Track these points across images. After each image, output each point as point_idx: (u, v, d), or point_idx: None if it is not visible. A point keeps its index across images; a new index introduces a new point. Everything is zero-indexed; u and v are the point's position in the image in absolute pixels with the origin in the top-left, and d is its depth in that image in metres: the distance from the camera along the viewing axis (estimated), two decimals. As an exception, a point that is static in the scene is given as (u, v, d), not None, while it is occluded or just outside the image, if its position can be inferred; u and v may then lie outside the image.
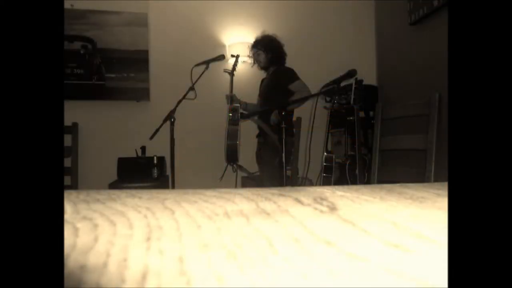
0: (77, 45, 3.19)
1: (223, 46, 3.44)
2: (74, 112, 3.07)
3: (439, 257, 0.21)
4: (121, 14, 3.25)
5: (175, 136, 2.31)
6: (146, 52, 3.29)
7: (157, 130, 2.30)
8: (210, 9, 3.43)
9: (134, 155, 2.98)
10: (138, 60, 3.27)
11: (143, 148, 3.00)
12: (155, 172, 2.85)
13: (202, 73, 2.42)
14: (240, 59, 2.95)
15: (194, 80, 2.38)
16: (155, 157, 2.86)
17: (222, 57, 2.52)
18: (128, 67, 3.25)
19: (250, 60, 2.88)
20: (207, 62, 2.46)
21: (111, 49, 3.23)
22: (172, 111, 2.30)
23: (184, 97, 2.36)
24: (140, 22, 3.28)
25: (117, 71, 3.24)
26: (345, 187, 0.45)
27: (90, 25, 3.20)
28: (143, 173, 2.85)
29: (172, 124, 2.30)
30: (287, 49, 2.76)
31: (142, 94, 3.28)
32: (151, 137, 2.29)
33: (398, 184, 0.48)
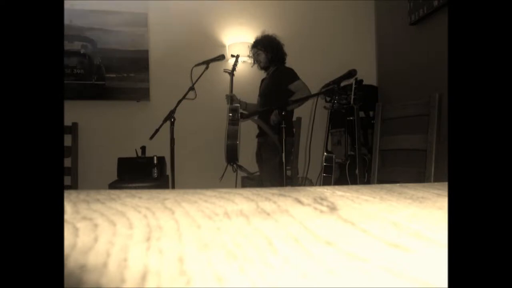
0: (77, 45, 3.19)
1: (223, 46, 3.44)
2: (74, 112, 3.07)
3: (439, 257, 0.21)
4: (121, 14, 3.25)
5: (175, 136, 2.32)
6: (146, 52, 3.29)
7: (157, 130, 2.31)
8: (210, 9, 3.43)
9: (134, 155, 2.98)
10: (138, 60, 3.27)
11: (143, 148, 3.00)
12: (155, 172, 2.85)
13: (202, 73, 2.43)
14: (240, 59, 2.96)
15: (194, 80, 2.39)
16: (155, 157, 2.86)
17: (222, 57, 2.52)
18: (128, 67, 3.25)
19: (250, 60, 2.88)
20: (207, 62, 2.47)
21: (111, 49, 3.23)
22: (172, 111, 2.31)
23: (184, 97, 2.37)
24: (140, 22, 3.28)
25: (117, 71, 3.24)
26: (345, 187, 0.45)
27: (90, 25, 3.20)
28: (143, 173, 2.85)
29: (172, 124, 2.30)
30: (287, 49, 2.77)
31: (142, 94, 3.28)
32: (151, 137, 2.30)
33: (398, 184, 0.48)
